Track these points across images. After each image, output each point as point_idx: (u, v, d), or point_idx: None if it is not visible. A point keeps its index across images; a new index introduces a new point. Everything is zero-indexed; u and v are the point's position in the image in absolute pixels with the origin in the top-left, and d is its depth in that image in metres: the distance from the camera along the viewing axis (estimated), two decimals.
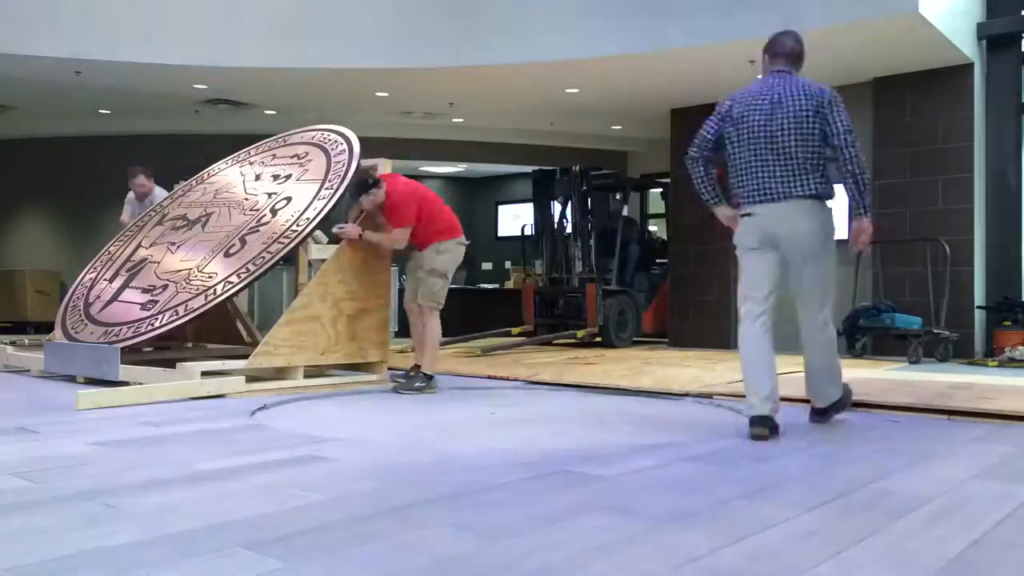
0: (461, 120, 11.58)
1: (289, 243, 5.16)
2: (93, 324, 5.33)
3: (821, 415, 3.98)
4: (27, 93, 9.97)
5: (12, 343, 6.86)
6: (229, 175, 6.42)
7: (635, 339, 9.73)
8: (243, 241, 5.37)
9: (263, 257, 5.13)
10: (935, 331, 7.74)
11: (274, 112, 11.09)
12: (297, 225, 5.26)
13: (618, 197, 10.18)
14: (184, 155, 12.37)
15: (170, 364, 4.78)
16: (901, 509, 2.27)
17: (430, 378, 5.07)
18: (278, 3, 8.68)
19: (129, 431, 3.47)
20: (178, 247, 5.68)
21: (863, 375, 6.12)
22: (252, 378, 4.82)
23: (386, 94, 10.01)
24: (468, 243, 5.41)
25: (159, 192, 7.32)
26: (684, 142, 10.98)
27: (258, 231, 5.40)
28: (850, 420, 4.03)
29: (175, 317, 4.96)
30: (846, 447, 3.38)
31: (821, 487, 2.57)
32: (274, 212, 5.49)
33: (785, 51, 3.92)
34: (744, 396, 4.69)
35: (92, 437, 3.25)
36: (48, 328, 6.24)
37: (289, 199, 5.57)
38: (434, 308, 5.14)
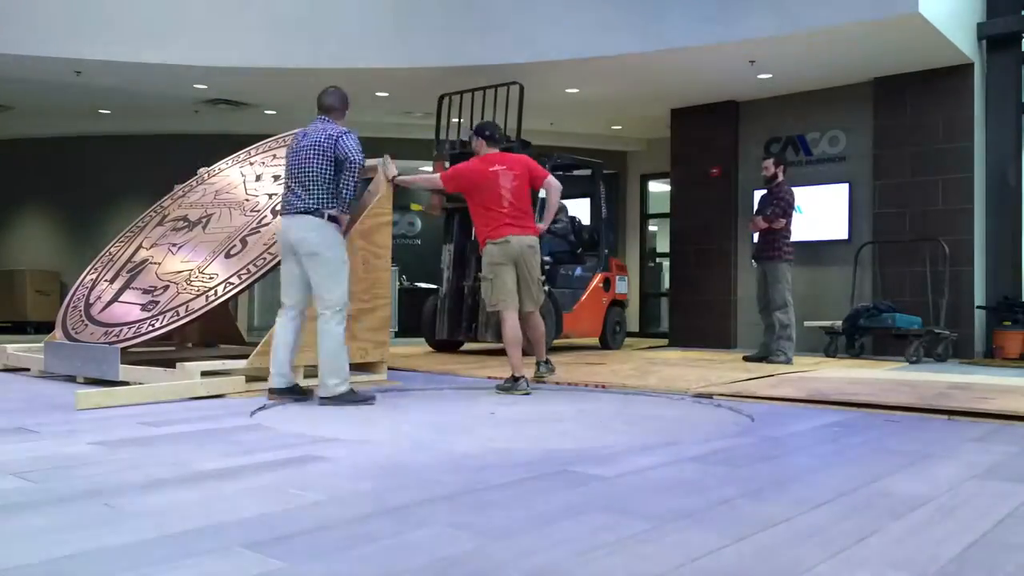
0: (461, 120, 11.57)
1: None
2: (94, 325, 5.33)
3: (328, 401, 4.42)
4: (27, 93, 9.98)
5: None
6: (230, 175, 6.42)
7: (563, 344, 8.92)
8: (244, 242, 5.37)
9: (264, 258, 5.13)
10: (935, 331, 7.75)
11: (274, 112, 11.10)
12: None
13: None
14: (184, 155, 12.39)
15: (170, 364, 4.78)
16: (901, 509, 2.27)
17: (516, 380, 5.02)
18: (278, 3, 8.69)
19: (129, 431, 3.47)
20: (179, 248, 5.68)
21: (863, 375, 6.13)
22: (252, 378, 4.81)
23: (386, 94, 10.01)
24: (504, 240, 5.10)
25: None
26: (684, 142, 10.97)
27: (259, 232, 5.40)
28: (850, 420, 4.03)
29: (176, 318, 4.96)
30: (846, 447, 3.38)
31: (821, 487, 2.57)
32: (275, 213, 5.50)
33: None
34: (745, 397, 4.73)
35: (92, 437, 3.25)
36: (48, 328, 6.25)
37: None
38: (496, 309, 5.17)
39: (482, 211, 5.20)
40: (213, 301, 4.98)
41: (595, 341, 9.08)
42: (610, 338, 9.02)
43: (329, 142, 4.44)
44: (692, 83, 9.08)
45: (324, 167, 4.43)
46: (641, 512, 2.22)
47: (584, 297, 8.65)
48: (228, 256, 5.30)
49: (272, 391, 4.49)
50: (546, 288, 6.54)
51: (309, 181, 4.43)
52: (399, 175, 5.39)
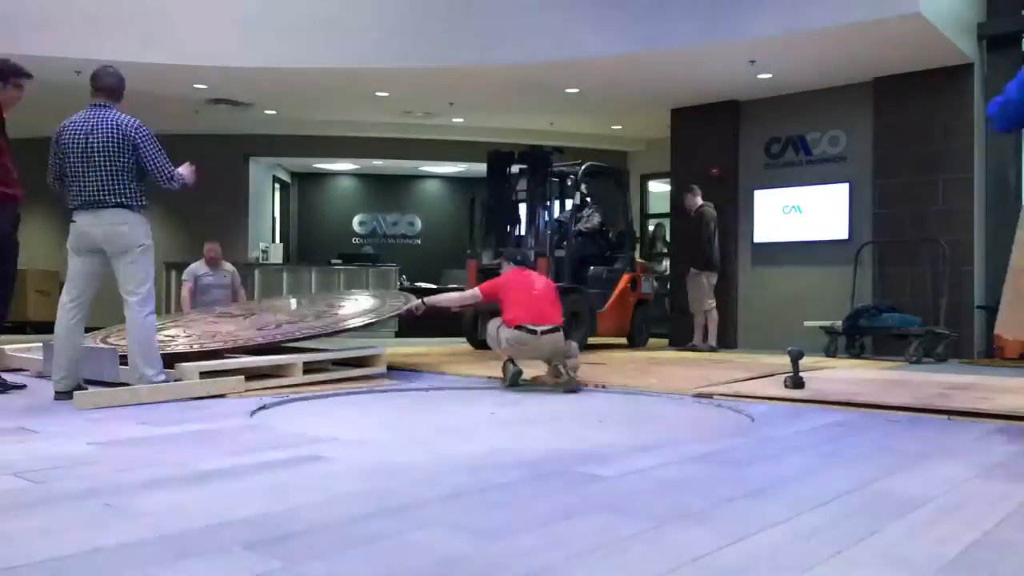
0: (461, 120, 11.58)
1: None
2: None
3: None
4: (27, 93, 9.97)
5: None
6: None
7: (591, 343, 8.85)
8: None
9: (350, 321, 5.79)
10: (935, 331, 7.74)
11: (274, 112, 11.09)
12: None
13: (569, 183, 9.11)
14: (184, 155, 12.37)
15: (169, 364, 4.77)
16: (901, 509, 2.27)
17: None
18: (278, 3, 8.69)
19: (129, 431, 3.47)
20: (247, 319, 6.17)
21: (863, 375, 6.12)
22: (251, 377, 4.81)
23: (386, 94, 10.01)
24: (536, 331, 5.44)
25: (227, 266, 8.31)
26: (684, 142, 10.98)
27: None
28: (850, 420, 4.03)
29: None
30: (846, 447, 3.38)
31: (821, 487, 2.57)
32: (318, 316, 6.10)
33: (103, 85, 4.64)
34: (745, 396, 4.72)
35: (92, 437, 3.25)
36: (48, 328, 6.23)
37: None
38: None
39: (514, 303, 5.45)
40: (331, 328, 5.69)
41: (622, 340, 9.34)
42: (637, 336, 9.33)
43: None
44: (692, 83, 9.08)
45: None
46: (641, 512, 2.22)
47: (614, 296, 8.89)
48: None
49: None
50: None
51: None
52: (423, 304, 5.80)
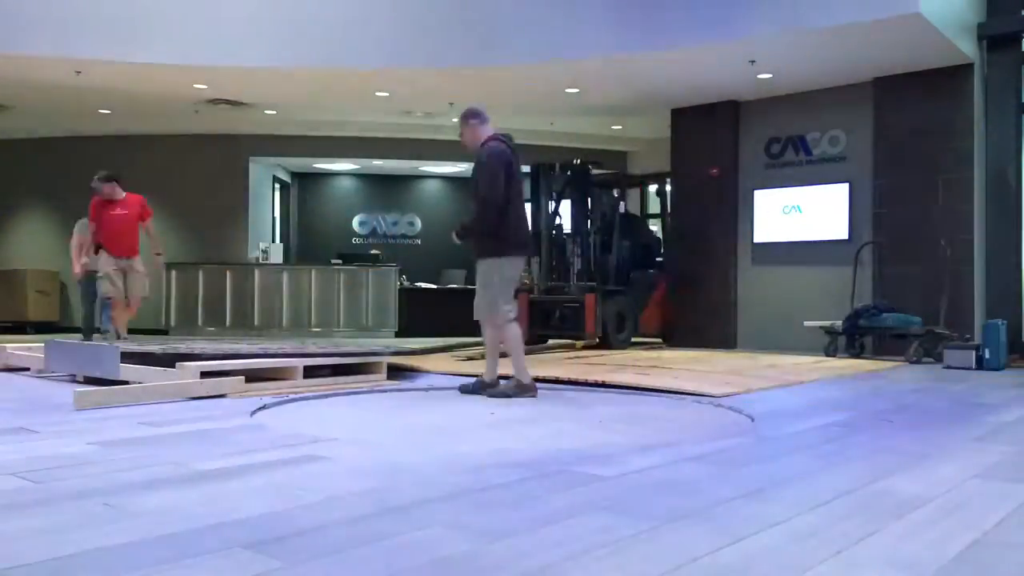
0: None
1: None
2: None
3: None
4: (27, 93, 9.98)
5: None
6: None
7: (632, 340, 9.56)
8: None
9: None
10: (935, 331, 7.74)
11: (274, 112, 11.09)
12: None
13: (615, 193, 9.90)
14: (184, 155, 12.39)
15: (170, 364, 4.78)
16: (901, 509, 2.27)
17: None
18: (278, 3, 8.68)
19: (129, 431, 3.47)
20: None
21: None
22: (252, 378, 4.81)
23: (386, 94, 10.01)
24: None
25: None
26: (684, 142, 10.99)
27: None
28: (851, 420, 4.03)
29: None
30: (846, 447, 3.38)
31: (821, 487, 2.57)
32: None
33: None
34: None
35: (92, 437, 3.25)
36: (48, 328, 6.23)
37: None
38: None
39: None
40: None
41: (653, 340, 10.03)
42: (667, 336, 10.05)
43: None
44: (692, 83, 9.08)
45: None
46: (641, 512, 2.22)
47: (653, 299, 9.83)
48: None
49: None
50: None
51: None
52: None
